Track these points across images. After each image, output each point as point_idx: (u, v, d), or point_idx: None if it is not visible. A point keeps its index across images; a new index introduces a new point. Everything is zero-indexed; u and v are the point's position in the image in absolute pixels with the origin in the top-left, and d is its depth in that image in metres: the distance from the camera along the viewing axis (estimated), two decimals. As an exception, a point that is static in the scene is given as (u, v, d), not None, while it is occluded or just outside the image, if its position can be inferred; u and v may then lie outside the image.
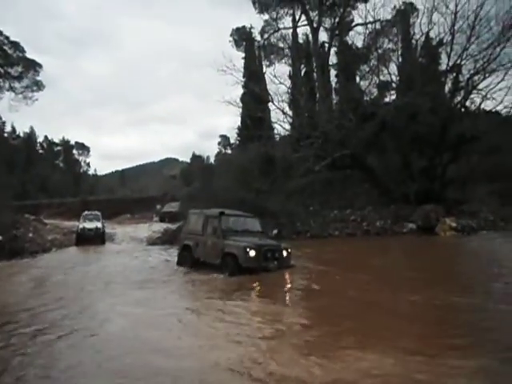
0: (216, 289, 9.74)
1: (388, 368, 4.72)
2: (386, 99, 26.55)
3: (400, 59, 25.80)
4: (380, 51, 26.34)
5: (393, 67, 25.43)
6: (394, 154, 23.00)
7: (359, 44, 28.32)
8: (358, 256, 14.46)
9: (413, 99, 21.53)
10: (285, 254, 11.36)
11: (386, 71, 25.34)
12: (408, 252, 15.13)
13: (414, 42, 26.10)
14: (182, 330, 6.70)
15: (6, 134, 52.33)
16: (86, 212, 22.99)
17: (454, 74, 23.59)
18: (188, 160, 58.87)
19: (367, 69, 27.20)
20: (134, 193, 51.46)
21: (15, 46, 33.91)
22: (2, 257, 17.09)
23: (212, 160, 49.55)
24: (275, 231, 19.68)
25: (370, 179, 23.71)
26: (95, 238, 20.72)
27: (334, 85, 30.68)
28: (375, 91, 26.33)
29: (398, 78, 25.68)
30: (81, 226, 21.14)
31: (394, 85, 26.02)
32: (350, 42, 29.42)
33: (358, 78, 27.92)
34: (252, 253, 10.64)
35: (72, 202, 37.89)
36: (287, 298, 9.23)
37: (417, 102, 21.36)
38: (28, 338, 6.31)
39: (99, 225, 21.38)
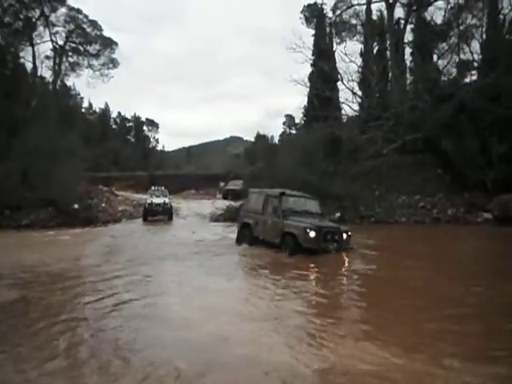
0: (263, 266, 9.80)
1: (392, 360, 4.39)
2: (466, 79, 24.77)
3: (484, 36, 23.85)
4: (462, 28, 24.52)
5: (475, 45, 23.67)
6: (472, 137, 21.36)
7: (438, 20, 26.55)
8: (427, 244, 13.76)
9: (496, 79, 19.84)
10: (345, 236, 11.24)
11: (467, 49, 23.64)
12: (484, 243, 14.09)
13: (501, 17, 23.99)
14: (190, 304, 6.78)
15: (83, 110, 55.51)
16: (153, 187, 22.87)
17: (546, 53, 21.38)
18: (252, 139, 59.10)
19: (446, 47, 25.50)
20: (199, 169, 52.73)
21: (93, 24, 35.55)
22: (77, 224, 18.37)
23: (276, 140, 49.42)
24: (338, 214, 19.27)
25: (443, 164, 22.32)
26: (163, 214, 20.78)
27: (408, 64, 29.04)
28: (454, 71, 24.69)
29: (480, 57, 23.83)
30: (148, 201, 20.91)
31: (475, 64, 24.17)
32: (428, 18, 27.57)
33: (435, 57, 26.22)
34: (312, 234, 10.63)
35: (141, 175, 39.57)
36: (332, 281, 8.82)
37: (501, 82, 19.68)
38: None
39: (167, 200, 21.21)
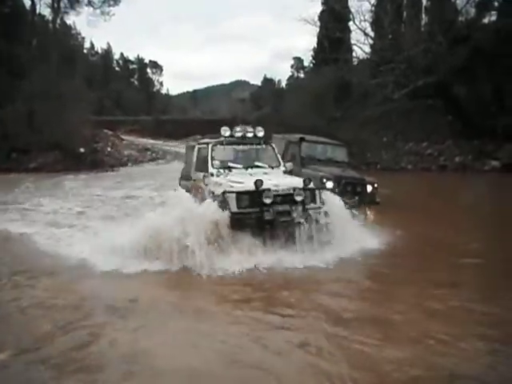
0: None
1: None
2: (485, 20, 23.51)
3: (508, -28, 22.38)
4: (485, -38, 22.90)
5: (498, -18, 22.21)
6: (486, 83, 20.69)
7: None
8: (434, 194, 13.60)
9: (516, 21, 18.91)
10: (369, 189, 9.80)
11: (489, -13, 22.23)
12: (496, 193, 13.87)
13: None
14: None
15: (85, 51, 53.89)
16: (229, 133, 7.56)
17: None
18: (259, 83, 57.74)
19: (467, -16, 23.92)
20: (205, 114, 52.02)
21: (93, -44, 33.54)
22: (83, 167, 18.45)
23: (284, 84, 48.18)
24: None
25: (454, 111, 21.83)
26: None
27: (424, 3, 27.47)
28: (473, 11, 23.36)
29: (503, -4, 22.51)
30: (218, 190, 6.08)
31: (495, 4, 22.92)
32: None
33: (454, -4, 24.72)
34: (329, 184, 9.26)
35: (145, 120, 39.20)
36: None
37: (522, 24, 18.76)
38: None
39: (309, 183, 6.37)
